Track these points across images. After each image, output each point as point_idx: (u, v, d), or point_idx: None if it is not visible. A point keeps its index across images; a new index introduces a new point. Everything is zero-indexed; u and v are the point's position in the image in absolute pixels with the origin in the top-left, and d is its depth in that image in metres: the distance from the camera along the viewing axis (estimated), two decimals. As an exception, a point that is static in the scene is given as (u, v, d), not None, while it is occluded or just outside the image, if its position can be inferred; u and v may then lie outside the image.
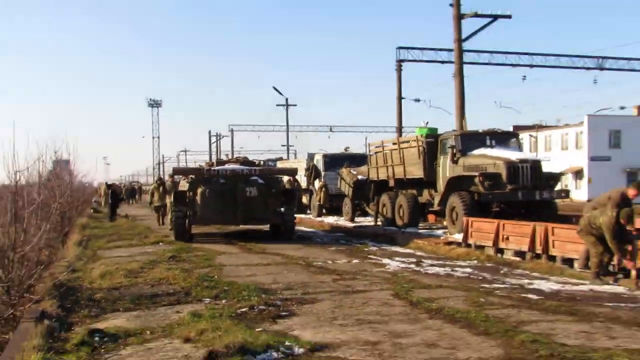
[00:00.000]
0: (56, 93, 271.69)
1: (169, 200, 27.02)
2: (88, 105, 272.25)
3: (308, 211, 36.45)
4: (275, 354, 7.79)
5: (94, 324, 9.73)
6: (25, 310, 10.23)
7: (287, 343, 8.17)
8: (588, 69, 47.37)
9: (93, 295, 12.14)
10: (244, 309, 10.44)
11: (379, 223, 27.53)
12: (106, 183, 53.48)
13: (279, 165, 42.86)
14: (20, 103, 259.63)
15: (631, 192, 13.54)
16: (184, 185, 23.79)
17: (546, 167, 22.29)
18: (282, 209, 23.07)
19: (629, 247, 13.12)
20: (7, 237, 11.04)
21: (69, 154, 25.85)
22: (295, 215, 24.10)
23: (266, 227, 25.48)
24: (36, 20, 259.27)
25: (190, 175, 23.79)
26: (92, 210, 46.91)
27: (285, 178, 23.82)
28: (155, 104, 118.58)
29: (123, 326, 9.55)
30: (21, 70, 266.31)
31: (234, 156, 32.25)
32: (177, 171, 26.24)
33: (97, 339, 8.83)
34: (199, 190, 22.32)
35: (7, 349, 8.42)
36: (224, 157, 32.29)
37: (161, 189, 31.99)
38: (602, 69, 47.61)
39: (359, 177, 30.37)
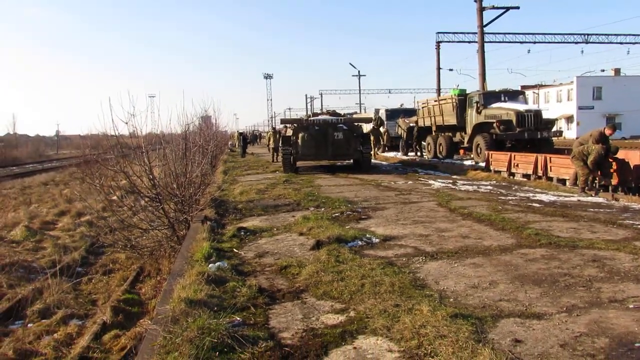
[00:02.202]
0: (206, 68, 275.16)
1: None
2: (227, 81, 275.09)
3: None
4: (360, 242, 8.01)
5: (239, 224, 10.09)
6: (194, 215, 10.55)
7: (367, 235, 8.36)
8: (576, 43, 45.08)
9: (236, 206, 12.48)
10: (337, 214, 10.63)
11: (425, 156, 27.34)
12: (238, 131, 54.08)
13: (355, 116, 42.55)
14: (183, 75, 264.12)
15: (607, 131, 13.17)
16: (289, 132, 23.65)
17: (545, 115, 21.75)
18: (361, 148, 21.89)
19: (599, 172, 12.97)
20: (181, 167, 11.45)
21: (213, 111, 26.38)
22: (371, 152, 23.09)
23: (349, 161, 25.53)
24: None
25: (294, 124, 23.21)
26: (229, 150, 47.81)
27: (364, 125, 23.28)
28: (268, 77, 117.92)
29: (258, 225, 9.90)
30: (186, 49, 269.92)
31: (325, 110, 31.64)
32: (284, 121, 25.68)
33: (242, 233, 9.20)
34: (300, 135, 21.31)
35: (186, 239, 8.87)
36: (318, 112, 31.69)
37: (276, 135, 31.73)
38: (587, 42, 45.16)
39: (411, 124, 30.03)
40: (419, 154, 28.32)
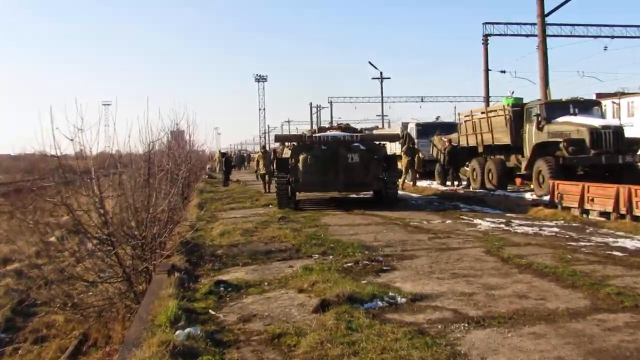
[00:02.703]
0: (177, 76, 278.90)
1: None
2: (204, 84, 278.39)
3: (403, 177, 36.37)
4: (380, 303, 7.95)
5: (218, 276, 10.07)
6: (157, 264, 10.50)
7: (390, 293, 8.31)
8: (670, 38, 45.29)
9: (215, 252, 12.50)
10: (349, 264, 10.61)
11: (468, 185, 27.32)
12: (220, 151, 54.28)
13: (375, 132, 42.76)
14: (149, 83, 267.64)
15: None
16: (286, 153, 23.62)
17: (629, 133, 21.74)
18: (384, 175, 21.53)
19: None
20: (142, 199, 11.46)
21: (187, 125, 26.50)
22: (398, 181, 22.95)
23: (368, 193, 25.38)
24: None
25: (293, 142, 22.96)
26: (207, 176, 48.00)
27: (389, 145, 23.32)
28: (261, 79, 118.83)
29: (243, 278, 9.88)
30: (149, 54, 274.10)
31: (335, 124, 31.62)
32: (279, 138, 25.98)
33: (222, 288, 9.16)
34: (301, 157, 20.91)
35: (146, 296, 8.82)
36: (326, 126, 31.69)
37: (268, 156, 31.86)
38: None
39: (450, 143, 30.10)
40: (462, 183, 28.28)
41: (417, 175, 32.29)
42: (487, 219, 17.46)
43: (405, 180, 30.36)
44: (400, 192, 25.21)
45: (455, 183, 28.56)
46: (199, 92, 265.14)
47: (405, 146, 30.56)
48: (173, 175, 16.40)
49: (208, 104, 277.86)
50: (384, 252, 11.87)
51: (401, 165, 30.44)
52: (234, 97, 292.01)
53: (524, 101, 24.68)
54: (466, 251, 11.94)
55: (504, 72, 48.20)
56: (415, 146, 31.96)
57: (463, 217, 18.15)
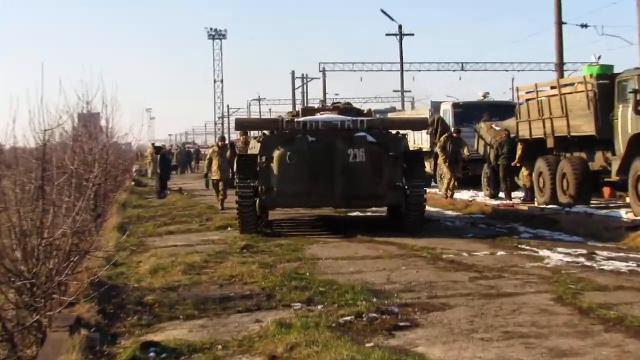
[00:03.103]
0: (86, 30, 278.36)
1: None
2: (129, 43, 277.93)
3: (432, 183, 36.42)
4: (394, 378, 7.97)
5: (147, 336, 10.04)
6: (55, 316, 10.40)
7: (409, 364, 8.34)
8: None
9: (143, 298, 12.46)
10: (348, 318, 10.62)
11: (532, 200, 27.41)
12: (153, 145, 54.08)
13: (390, 116, 42.78)
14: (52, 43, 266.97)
15: None
16: (253, 147, 23.21)
17: None
18: (404, 182, 21.22)
19: None
20: (32, 217, 11.36)
21: (104, 104, 26.07)
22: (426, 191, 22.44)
23: (379, 210, 25.51)
24: None
25: (263, 132, 22.87)
26: (133, 183, 47.94)
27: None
28: (217, 35, 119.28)
29: (185, 339, 9.84)
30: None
31: (330, 104, 30.69)
32: (242, 124, 25.05)
33: (152, 354, 9.13)
34: (276, 154, 20.51)
35: (36, 366, 8.78)
36: (315, 106, 30.77)
37: (224, 153, 30.75)
38: None
39: (505, 134, 30.15)
40: (528, 196, 28.35)
41: (456, 182, 32.14)
42: (559, 249, 17.52)
43: (450, 189, 30.38)
44: (428, 207, 25.02)
45: (517, 193, 28.63)
46: (121, 56, 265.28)
47: (444, 136, 30.52)
48: (81, 180, 16.31)
49: (136, 74, 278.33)
50: (401, 300, 11.88)
51: (429, 167, 30.58)
52: (175, 63, 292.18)
53: (615, 70, 24.62)
54: (526, 298, 11.96)
55: (585, 26, 48.06)
56: (458, 135, 31.90)
57: (522, 246, 18.21)
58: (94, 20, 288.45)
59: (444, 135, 30.80)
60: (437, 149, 31.11)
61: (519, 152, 28.72)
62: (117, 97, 23.58)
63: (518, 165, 28.93)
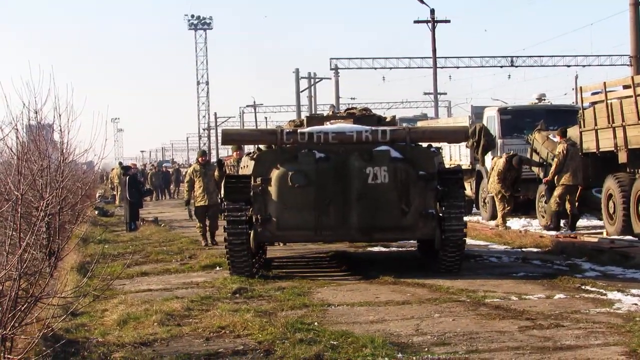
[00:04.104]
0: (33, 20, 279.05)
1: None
2: (88, 36, 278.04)
3: (474, 209, 36.47)
4: None
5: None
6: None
7: None
8: None
9: (109, 356, 12.48)
10: (366, 378, 10.71)
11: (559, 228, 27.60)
12: (121, 164, 54.31)
13: (420, 125, 42.79)
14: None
15: None
16: (245, 165, 22.84)
17: None
18: (436, 210, 20.96)
19: None
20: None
21: (57, 113, 25.94)
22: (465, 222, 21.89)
23: (405, 244, 25.73)
24: None
25: (257, 146, 22.69)
26: (97, 212, 48.06)
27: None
28: (200, 24, 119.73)
29: (163, 407, 9.99)
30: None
31: (341, 110, 29.99)
32: (230, 136, 24.40)
33: None
34: (275, 175, 20.34)
35: None
36: (324, 113, 29.96)
37: (213, 172, 29.88)
38: None
39: (567, 145, 30.25)
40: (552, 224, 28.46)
41: (509, 207, 31.92)
42: (633, 291, 17.54)
43: (502, 218, 30.33)
44: (469, 240, 24.99)
45: (583, 221, 28.76)
46: (78, 50, 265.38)
47: (502, 160, 30.32)
48: (29, 209, 16.41)
49: (99, 75, 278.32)
50: (433, 356, 11.93)
51: (470, 189, 30.56)
52: (149, 61, 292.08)
53: None
54: (591, 353, 12.01)
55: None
56: (492, 153, 32.00)
57: (587, 287, 18.28)
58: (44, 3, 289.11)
59: (502, 162, 30.38)
60: (495, 176, 30.78)
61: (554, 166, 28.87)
62: (74, 103, 23.22)
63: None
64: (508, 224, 30.97)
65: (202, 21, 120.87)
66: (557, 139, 30.07)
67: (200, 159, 32.12)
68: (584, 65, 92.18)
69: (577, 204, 29.51)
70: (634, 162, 26.31)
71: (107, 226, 40.87)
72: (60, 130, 24.63)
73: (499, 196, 29.96)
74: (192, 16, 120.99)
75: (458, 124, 36.27)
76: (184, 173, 76.17)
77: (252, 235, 20.76)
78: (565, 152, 28.66)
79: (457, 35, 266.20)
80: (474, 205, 36.96)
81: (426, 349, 12.39)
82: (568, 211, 29.36)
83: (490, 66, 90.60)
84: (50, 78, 21.28)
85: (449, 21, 72.40)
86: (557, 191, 28.65)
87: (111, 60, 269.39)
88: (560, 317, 14.78)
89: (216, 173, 29.27)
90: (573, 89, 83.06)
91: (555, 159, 28.55)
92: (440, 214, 20.90)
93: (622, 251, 23.02)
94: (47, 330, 12.62)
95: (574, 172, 28.76)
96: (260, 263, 22.30)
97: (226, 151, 47.40)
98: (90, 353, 12.72)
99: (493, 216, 32.93)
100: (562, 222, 29.92)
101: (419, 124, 47.27)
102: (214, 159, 39.76)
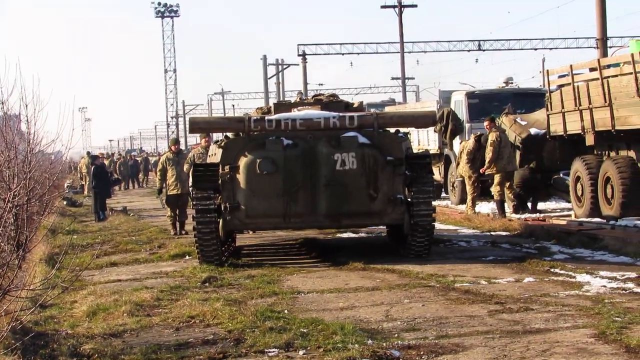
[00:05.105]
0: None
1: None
2: (49, 21, 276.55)
3: (442, 194, 36.50)
4: None
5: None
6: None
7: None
8: None
9: (79, 347, 12.40)
10: (336, 366, 10.71)
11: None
12: (89, 154, 54.20)
13: (388, 111, 42.75)
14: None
15: None
16: (213, 153, 22.61)
17: None
18: (406, 195, 21.12)
19: None
20: None
21: (23, 103, 25.82)
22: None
23: (374, 229, 25.79)
24: None
25: (226, 134, 22.75)
26: (65, 203, 47.87)
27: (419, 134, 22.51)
28: (167, 12, 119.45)
29: (133, 397, 9.96)
30: None
31: (309, 96, 29.74)
32: (197, 124, 24.10)
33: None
34: (243, 162, 20.29)
35: None
36: (292, 100, 29.67)
37: (176, 161, 30.02)
38: None
39: (532, 130, 30.33)
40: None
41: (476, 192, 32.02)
42: (602, 273, 17.66)
43: (472, 202, 30.38)
44: (438, 225, 25.24)
45: (549, 204, 28.79)
46: (43, 40, 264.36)
47: (471, 141, 30.42)
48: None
49: (65, 64, 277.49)
50: (403, 342, 11.95)
51: (439, 173, 30.57)
52: (116, 50, 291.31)
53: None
54: (560, 335, 12.06)
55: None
56: (459, 137, 32.05)
57: (556, 270, 18.36)
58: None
59: (471, 143, 30.39)
60: (464, 160, 30.81)
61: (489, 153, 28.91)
62: (41, 94, 23.09)
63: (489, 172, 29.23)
64: (477, 208, 31.04)
65: (169, 9, 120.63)
66: (485, 125, 30.03)
67: (172, 147, 32.03)
68: (550, 49, 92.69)
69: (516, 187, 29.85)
70: (601, 145, 26.48)
71: (75, 216, 40.76)
72: (27, 120, 24.58)
73: (471, 180, 29.98)
74: (159, 4, 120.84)
75: (426, 109, 36.23)
76: (152, 162, 76.26)
77: (221, 223, 20.84)
78: (498, 139, 28.75)
79: (424, 19, 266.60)
80: (443, 190, 37.02)
81: (396, 335, 12.42)
82: (512, 196, 29.53)
83: (458, 50, 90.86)
84: (17, 68, 21.20)
85: (415, 6, 72.79)
86: (496, 179, 28.80)
87: (78, 49, 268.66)
88: (529, 301, 14.83)
89: (186, 167, 29.21)
90: (540, 72, 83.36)
91: (491, 148, 28.55)
92: (409, 199, 21.03)
93: (591, 233, 23.14)
94: (16, 323, 12.61)
95: (508, 159, 29.07)
96: (229, 251, 22.31)
97: (195, 139, 47.54)
98: (60, 345, 12.66)
99: (462, 200, 33.03)
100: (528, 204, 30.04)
101: (387, 109, 47.25)
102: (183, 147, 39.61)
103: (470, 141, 30.24)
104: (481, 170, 29.09)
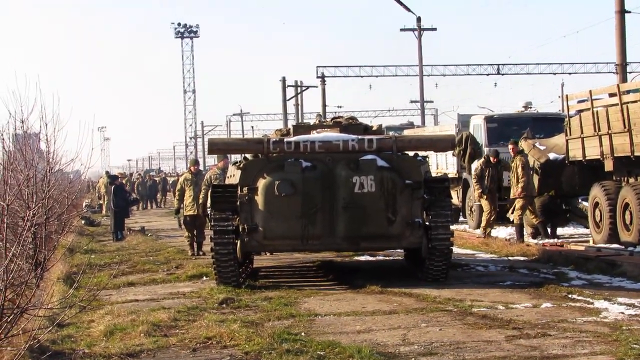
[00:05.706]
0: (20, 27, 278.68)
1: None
2: (75, 45, 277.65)
3: (460, 218, 36.41)
4: None
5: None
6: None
7: None
8: None
9: (95, 367, 12.42)
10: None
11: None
12: (107, 173, 54.15)
13: (407, 134, 42.70)
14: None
15: None
16: (232, 175, 22.73)
17: None
18: (423, 219, 20.99)
19: None
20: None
21: (43, 122, 25.81)
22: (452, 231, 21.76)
23: (391, 253, 25.70)
24: None
25: (244, 156, 22.47)
26: (83, 222, 47.88)
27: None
28: (187, 32, 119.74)
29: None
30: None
31: (328, 118, 29.64)
32: (216, 145, 24.17)
33: None
34: (261, 184, 20.25)
35: None
36: (311, 122, 29.58)
37: (197, 181, 30.00)
38: None
39: (550, 155, 30.25)
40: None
41: (493, 216, 31.94)
42: (620, 299, 17.57)
43: (486, 222, 30.31)
44: (455, 249, 24.73)
45: (568, 229, 28.73)
46: (64, 60, 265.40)
47: (479, 162, 30.37)
48: (16, 220, 16.35)
49: (85, 84, 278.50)
50: (420, 366, 11.93)
51: (457, 197, 30.51)
52: (135, 70, 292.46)
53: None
54: (577, 362, 12.02)
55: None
56: (497, 160, 31.94)
57: (573, 296, 18.29)
58: (28, 12, 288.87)
59: (480, 161, 30.51)
60: (473, 179, 30.88)
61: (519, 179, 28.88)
62: (60, 113, 23.00)
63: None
64: (493, 233, 30.98)
65: (189, 29, 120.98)
66: (510, 149, 29.97)
67: (192, 168, 32.13)
68: (570, 73, 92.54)
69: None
70: (620, 170, 26.35)
71: (93, 236, 40.77)
72: (47, 139, 24.55)
73: (484, 198, 29.97)
74: (179, 24, 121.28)
75: (444, 132, 36.14)
76: (170, 182, 76.28)
77: (238, 244, 20.80)
78: (523, 164, 28.76)
79: (444, 43, 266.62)
80: (461, 214, 36.95)
81: (413, 359, 12.41)
82: (535, 222, 29.47)
83: (477, 74, 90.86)
84: (37, 87, 21.19)
85: (435, 29, 72.57)
86: (519, 204, 28.76)
87: (98, 68, 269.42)
88: (547, 326, 14.78)
89: (203, 190, 28.86)
90: (559, 97, 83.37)
91: (521, 171, 28.49)
92: (427, 223, 20.96)
93: (609, 259, 23.02)
94: (34, 342, 12.60)
95: (532, 184, 29.14)
96: (247, 273, 22.22)
97: (212, 160, 47.96)
98: (76, 365, 12.67)
99: (479, 225, 32.93)
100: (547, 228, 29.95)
101: (406, 132, 47.17)
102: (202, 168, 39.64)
103: (480, 160, 30.29)
104: (516, 194, 28.99)
